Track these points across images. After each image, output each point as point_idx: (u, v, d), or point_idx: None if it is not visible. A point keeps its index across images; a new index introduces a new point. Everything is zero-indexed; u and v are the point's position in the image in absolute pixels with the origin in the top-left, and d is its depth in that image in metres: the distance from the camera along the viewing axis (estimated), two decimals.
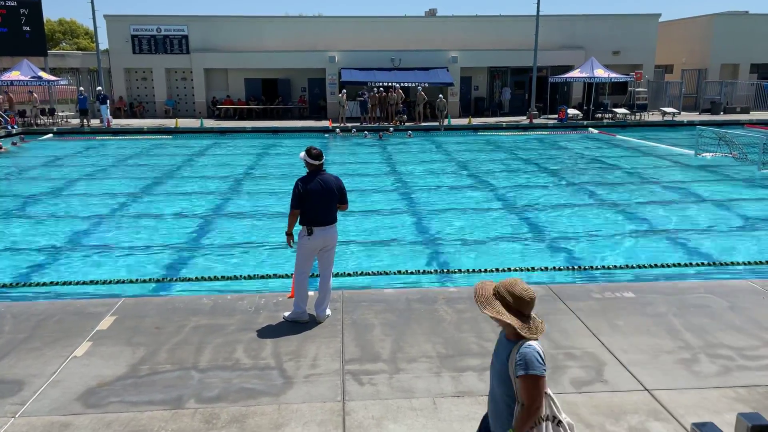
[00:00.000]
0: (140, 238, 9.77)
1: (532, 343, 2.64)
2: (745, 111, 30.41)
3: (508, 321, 2.62)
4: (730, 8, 50.54)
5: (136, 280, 7.60)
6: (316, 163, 5.62)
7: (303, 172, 5.81)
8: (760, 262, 8.04)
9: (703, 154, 18.10)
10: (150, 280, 7.65)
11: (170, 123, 27.03)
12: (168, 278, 7.80)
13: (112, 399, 4.40)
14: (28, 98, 27.05)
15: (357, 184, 14.19)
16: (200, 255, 8.95)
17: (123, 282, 7.54)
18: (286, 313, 5.82)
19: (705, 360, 4.95)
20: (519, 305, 2.65)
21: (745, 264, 8.03)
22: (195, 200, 12.68)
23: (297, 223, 5.68)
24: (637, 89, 29.35)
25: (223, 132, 25.83)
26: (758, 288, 6.53)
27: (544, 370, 2.61)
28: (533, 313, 2.71)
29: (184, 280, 7.68)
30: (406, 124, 26.79)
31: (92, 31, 30.38)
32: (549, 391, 2.70)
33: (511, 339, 2.69)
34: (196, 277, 7.65)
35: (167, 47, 29.88)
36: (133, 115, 30.24)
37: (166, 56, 29.94)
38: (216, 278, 7.59)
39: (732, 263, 8.08)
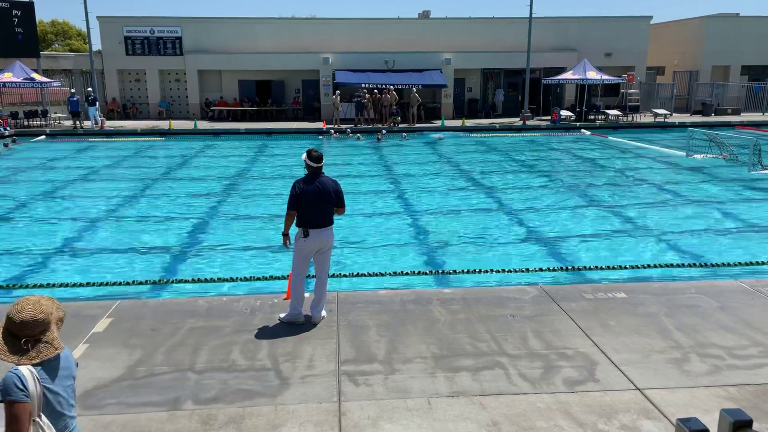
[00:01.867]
0: (136, 240, 9.77)
1: (22, 367, 2.47)
2: (736, 112, 30.66)
3: None
4: (721, 10, 50.93)
5: (132, 282, 7.62)
6: (315, 165, 5.67)
7: (300, 172, 5.86)
8: (750, 263, 8.15)
9: (694, 156, 18.26)
10: (146, 282, 7.67)
11: (164, 124, 26.99)
12: (164, 280, 7.82)
13: (110, 401, 4.43)
14: None
15: (352, 185, 14.24)
16: (196, 257, 8.97)
17: (119, 284, 7.56)
18: (282, 315, 5.86)
19: (695, 359, 5.03)
20: (10, 325, 2.50)
21: (735, 265, 8.13)
22: (190, 201, 12.69)
23: (294, 225, 5.72)
24: (629, 91, 29.56)
25: (216, 133, 25.82)
26: (748, 288, 6.63)
27: (25, 396, 2.43)
28: (55, 335, 2.56)
29: (179, 281, 7.70)
30: (400, 125, 26.86)
31: (85, 32, 30.29)
32: (40, 418, 2.51)
33: None
34: (192, 279, 7.67)
35: (160, 49, 29.84)
36: (127, 117, 30.17)
37: (159, 58, 29.90)
38: (212, 280, 7.62)
39: (723, 264, 8.18)
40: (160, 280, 7.79)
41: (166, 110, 30.46)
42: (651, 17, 31.92)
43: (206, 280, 7.61)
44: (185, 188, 14.29)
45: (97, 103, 26.43)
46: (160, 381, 4.71)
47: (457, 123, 27.89)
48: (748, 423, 2.01)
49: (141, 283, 7.61)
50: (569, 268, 8.23)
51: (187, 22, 29.93)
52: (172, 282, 7.72)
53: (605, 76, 27.55)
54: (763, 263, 8.12)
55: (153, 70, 30.09)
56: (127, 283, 7.57)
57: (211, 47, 29.91)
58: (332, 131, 25.38)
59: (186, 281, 7.66)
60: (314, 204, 5.58)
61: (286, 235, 5.81)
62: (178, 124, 27.13)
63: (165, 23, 29.77)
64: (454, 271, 7.96)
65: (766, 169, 15.71)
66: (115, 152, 20.55)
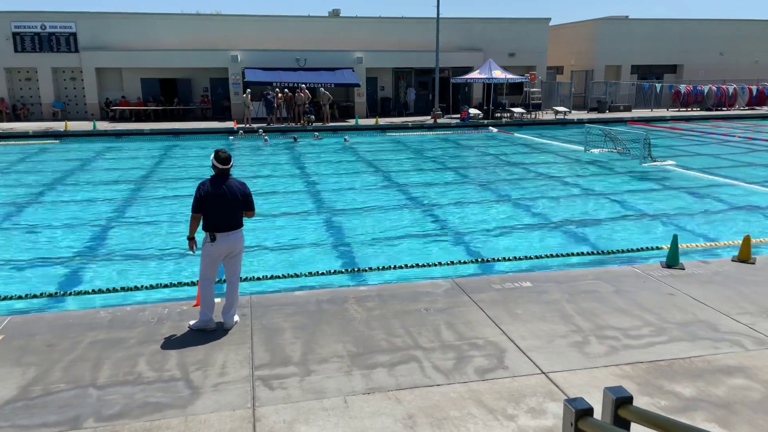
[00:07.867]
0: (28, 251, 9.09)
1: None
2: (628, 109, 32.95)
3: None
4: (612, 13, 54.38)
5: (25, 296, 7.08)
6: (222, 167, 5.52)
7: (208, 173, 5.69)
8: (642, 249, 8.78)
9: (592, 150, 19.43)
10: (40, 295, 7.15)
11: (59, 126, 25.29)
12: (60, 293, 7.32)
13: (1, 424, 4.10)
14: None
15: (262, 185, 13.98)
16: (96, 266, 8.46)
17: (9, 298, 7.00)
18: (192, 322, 5.66)
19: (594, 341, 5.35)
20: None
21: (629, 251, 8.73)
22: (88, 208, 11.96)
23: (201, 228, 5.53)
24: (531, 89, 30.97)
25: (118, 134, 24.50)
26: (640, 272, 7.14)
27: None
28: None
29: (78, 293, 7.24)
30: (314, 124, 26.68)
31: None
32: None
33: None
34: (92, 290, 7.24)
35: (53, 45, 27.92)
36: (17, 118, 28.00)
37: (52, 55, 27.97)
38: (114, 290, 7.22)
39: (618, 251, 8.75)
40: (56, 293, 7.29)
41: (62, 111, 28.54)
42: (549, 19, 33.58)
43: (108, 290, 7.20)
44: (82, 193, 13.45)
45: None
46: (58, 399, 4.41)
47: (371, 121, 28.09)
48: (629, 399, 2.17)
49: (35, 296, 7.09)
50: (479, 260, 8.51)
51: (82, 17, 28.18)
52: (71, 294, 7.25)
53: (509, 75, 28.69)
54: (652, 248, 8.77)
55: (45, 68, 28.11)
56: (20, 297, 7.02)
57: (110, 44, 28.33)
58: (241, 131, 24.74)
59: (86, 292, 7.21)
60: (220, 207, 5.42)
61: (191, 238, 5.61)
62: (75, 125, 25.51)
63: (58, 18, 27.89)
64: (370, 268, 8.01)
65: (655, 161, 16.98)
66: (3, 156, 19.00)
